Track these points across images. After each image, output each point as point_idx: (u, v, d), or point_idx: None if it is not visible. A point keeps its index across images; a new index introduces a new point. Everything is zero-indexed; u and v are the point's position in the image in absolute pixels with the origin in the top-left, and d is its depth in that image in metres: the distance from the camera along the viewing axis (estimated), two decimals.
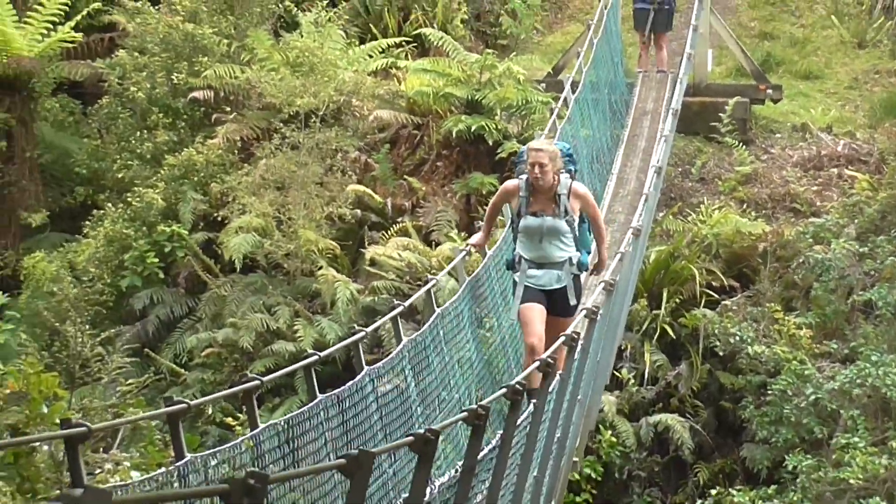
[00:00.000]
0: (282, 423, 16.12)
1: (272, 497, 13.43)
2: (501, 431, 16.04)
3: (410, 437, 11.96)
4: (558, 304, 21.69)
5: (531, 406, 18.07)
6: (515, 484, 18.23)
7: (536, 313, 20.77)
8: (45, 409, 21.84)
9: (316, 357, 19.28)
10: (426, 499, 12.26)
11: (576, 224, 20.63)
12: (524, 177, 20.99)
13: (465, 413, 13.57)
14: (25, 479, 19.99)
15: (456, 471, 13.92)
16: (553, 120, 36.48)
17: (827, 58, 45.94)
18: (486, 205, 35.37)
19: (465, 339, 26.83)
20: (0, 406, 20.75)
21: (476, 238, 23.91)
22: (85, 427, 12.55)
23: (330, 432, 19.05)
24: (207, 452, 15.62)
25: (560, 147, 20.87)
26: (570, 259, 20.65)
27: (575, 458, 28.18)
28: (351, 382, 22.10)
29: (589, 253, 23.17)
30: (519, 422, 16.56)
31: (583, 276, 22.49)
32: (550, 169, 20.05)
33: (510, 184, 21.06)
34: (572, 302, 22.04)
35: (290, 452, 16.87)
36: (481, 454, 14.79)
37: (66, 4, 44.53)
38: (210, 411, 29.65)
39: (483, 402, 14.51)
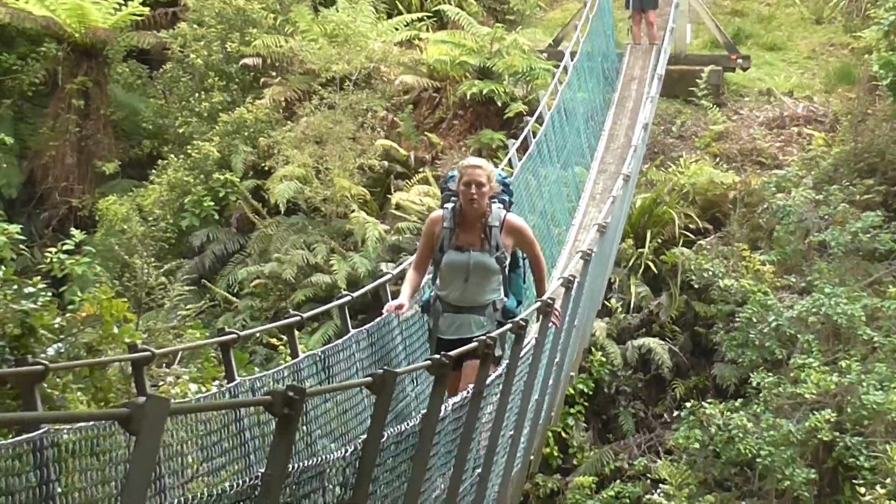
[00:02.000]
0: (319, 353, 16.17)
1: (310, 414, 13.45)
2: (507, 361, 16.05)
3: (428, 362, 12.00)
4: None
5: (532, 340, 18.07)
6: (520, 404, 18.30)
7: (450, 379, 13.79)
8: (116, 330, 21.88)
9: (349, 297, 19.24)
10: (441, 415, 12.24)
11: (507, 263, 15.54)
12: (449, 205, 15.66)
13: (475, 343, 13.61)
14: (99, 390, 20.08)
15: (467, 393, 13.87)
16: (554, 83, 36.49)
17: (789, 32, 45.78)
18: (497, 158, 35.53)
19: None
20: (78, 327, 20.76)
21: (398, 299, 16.52)
22: (149, 352, 12.70)
23: (360, 361, 19.08)
24: (254, 376, 15.72)
25: (497, 171, 15.96)
26: (495, 303, 15.27)
27: (571, 373, 28.27)
28: (379, 319, 22.16)
29: (519, 303, 17.54)
30: (522, 354, 16.58)
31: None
32: (487, 191, 15.11)
33: (434, 215, 15.91)
34: (497, 353, 15.27)
35: (327, 378, 16.90)
36: (489, 380, 14.81)
37: None
38: (258, 334, 29.66)
39: (492, 334, 14.51)
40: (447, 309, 15.26)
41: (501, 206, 15.53)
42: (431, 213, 15.87)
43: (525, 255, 16.12)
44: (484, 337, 13.49)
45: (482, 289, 15.11)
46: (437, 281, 15.31)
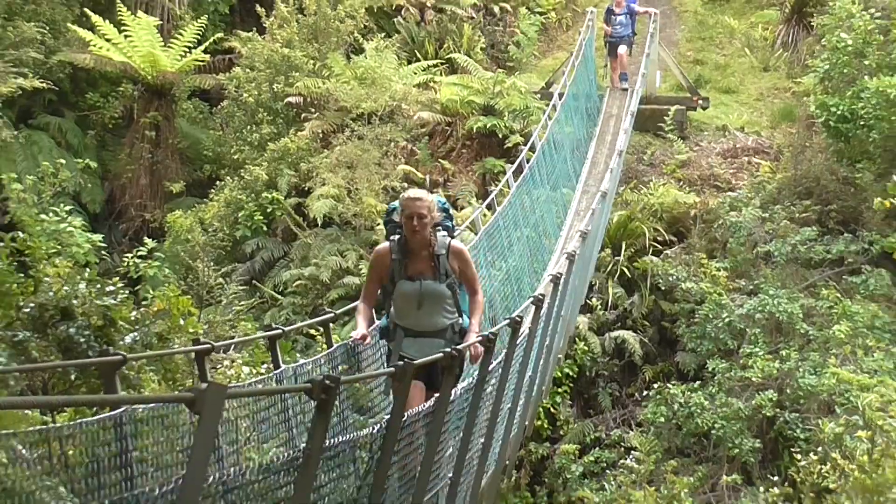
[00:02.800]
0: (350, 343, 16.13)
1: (342, 395, 13.55)
2: (506, 350, 16.03)
3: (440, 354, 12.03)
4: (440, 378, 13.36)
5: (526, 329, 18.05)
6: (515, 385, 18.30)
7: (416, 392, 13.13)
8: (182, 322, 22.01)
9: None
10: (451, 398, 12.29)
11: (457, 286, 13.74)
12: (395, 237, 13.82)
13: (481, 338, 13.64)
14: (168, 371, 20.16)
15: (473, 378, 13.86)
16: (545, 119, 36.50)
17: (741, 78, 45.71)
18: (498, 181, 35.53)
19: (481, 275, 26.94)
20: (150, 319, 20.84)
21: (359, 330, 14.52)
22: (210, 344, 13.17)
23: (383, 348, 19.04)
24: (297, 363, 15.77)
25: (436, 199, 13.93)
26: (453, 326, 13.64)
27: (559, 356, 28.30)
28: None
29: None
30: (519, 340, 16.58)
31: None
32: (429, 222, 13.34)
33: (380, 248, 13.93)
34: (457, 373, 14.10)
35: (357, 364, 16.86)
36: (491, 367, 14.78)
37: (198, 34, 44.60)
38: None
39: (492, 330, 14.51)
40: (408, 334, 13.56)
41: (445, 232, 13.75)
42: (377, 247, 14.04)
43: (462, 277, 13.84)
44: (449, 350, 12.35)
45: (436, 314, 13.41)
46: (392, 310, 13.67)
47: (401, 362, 11.53)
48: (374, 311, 14.40)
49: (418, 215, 13.05)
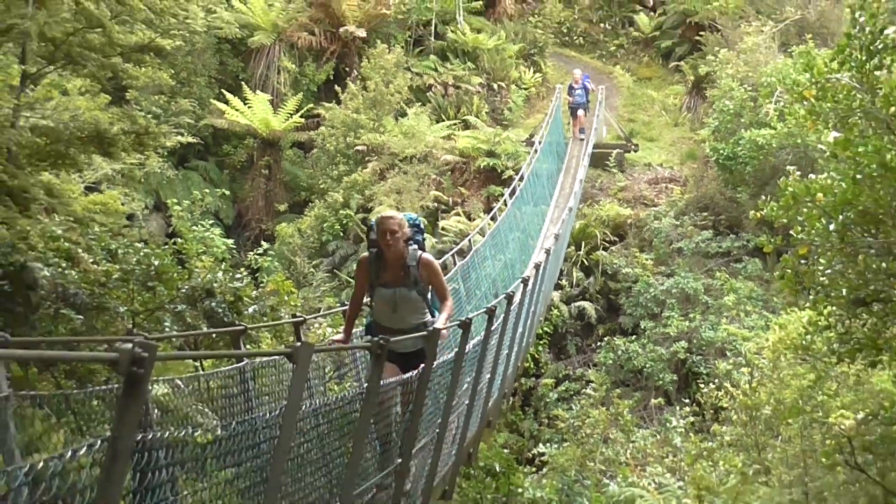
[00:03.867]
0: (329, 342, 16.05)
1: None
2: (504, 314, 15.91)
3: (458, 321, 11.91)
4: (413, 366, 11.96)
5: (517, 300, 17.92)
6: (510, 338, 18.20)
7: (391, 373, 11.47)
8: (286, 298, 21.96)
9: None
10: (466, 349, 12.19)
11: (428, 292, 12.07)
12: (373, 250, 12.17)
13: (485, 309, 13.51)
14: (278, 332, 20.04)
15: (478, 340, 13.75)
16: (529, 159, 36.41)
17: (660, 131, 45.47)
18: (497, 200, 35.50)
19: (487, 264, 26.89)
20: (265, 297, 20.78)
21: (344, 332, 12.88)
22: (303, 317, 12.98)
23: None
24: (362, 329, 15.63)
25: (408, 218, 12.33)
26: (426, 324, 11.97)
27: (541, 319, 28.26)
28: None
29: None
30: (512, 307, 16.47)
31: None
32: (400, 237, 11.72)
33: (361, 259, 12.29)
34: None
35: None
36: (493, 327, 14.67)
37: (297, 104, 44.57)
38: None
39: (493, 303, 14.40)
40: (385, 331, 10.93)
41: (416, 245, 11.72)
42: (360, 257, 12.07)
43: (431, 285, 11.78)
44: (426, 326, 11.11)
45: (409, 315, 11.46)
46: (373, 310, 11.76)
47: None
48: (359, 312, 12.21)
49: (390, 231, 11.29)
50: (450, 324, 11.67)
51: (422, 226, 11.89)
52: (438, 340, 10.75)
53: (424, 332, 10.82)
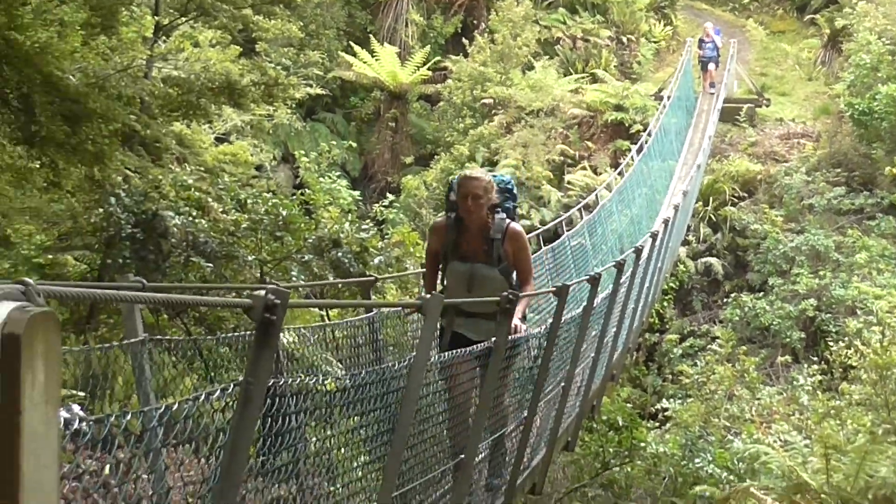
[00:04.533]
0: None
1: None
2: (631, 269, 15.86)
3: (588, 277, 11.86)
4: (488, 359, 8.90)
5: (645, 255, 17.85)
6: (637, 293, 18.16)
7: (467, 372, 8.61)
8: (412, 249, 22.08)
9: (542, 229, 19.08)
10: (594, 305, 12.10)
11: (513, 272, 9.49)
12: (452, 214, 9.71)
13: (614, 262, 13.47)
14: (404, 284, 20.16)
15: (606, 294, 13.68)
16: (658, 114, 36.22)
17: (793, 85, 44.80)
18: (625, 156, 35.33)
19: (614, 219, 26.82)
20: (391, 248, 20.87)
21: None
22: (373, 277, 12.57)
23: (547, 268, 18.91)
24: None
25: (498, 180, 9.79)
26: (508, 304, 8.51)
27: (666, 275, 28.14)
28: (557, 241, 21.98)
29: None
30: (640, 262, 16.41)
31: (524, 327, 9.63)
32: (485, 202, 9.31)
33: (437, 222, 10.05)
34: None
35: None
36: (622, 280, 14.63)
37: (424, 57, 44.64)
38: None
39: (620, 258, 14.36)
40: (458, 313, 9.10)
41: (504, 214, 9.31)
42: (435, 220, 10.17)
43: (515, 263, 9.30)
44: (506, 294, 8.12)
45: (486, 297, 8.62)
46: (445, 288, 9.38)
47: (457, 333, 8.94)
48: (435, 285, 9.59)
49: (473, 195, 9.01)
50: (527, 323, 9.41)
51: (514, 190, 9.64)
52: (512, 335, 8.35)
53: (501, 306, 8.06)
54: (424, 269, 9.92)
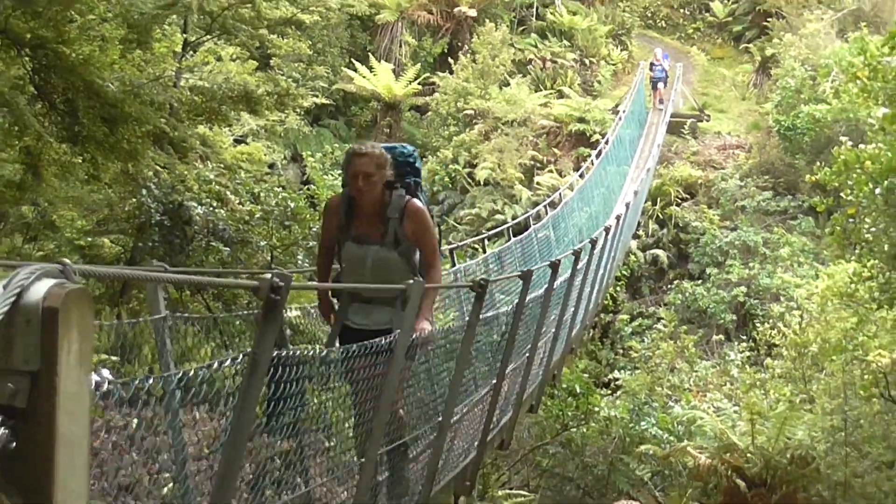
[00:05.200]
0: (497, 252, 15.91)
1: (494, 286, 13.28)
2: (587, 257, 15.88)
3: (549, 262, 11.82)
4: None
5: (600, 245, 17.84)
6: (593, 278, 18.15)
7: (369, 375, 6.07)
8: None
9: (512, 223, 19.07)
10: (554, 286, 12.09)
11: (415, 253, 7.16)
12: (345, 191, 7.27)
13: (572, 251, 13.44)
14: None
15: (565, 278, 13.69)
16: (615, 125, 36.24)
17: (729, 104, 44.84)
18: (586, 160, 35.38)
19: (575, 214, 26.81)
20: None
21: (323, 303, 7.53)
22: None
23: (516, 256, 18.87)
24: (466, 264, 15.56)
25: (398, 150, 7.33)
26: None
27: (619, 263, 28.14)
28: (525, 233, 21.96)
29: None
30: (595, 251, 16.41)
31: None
32: (378, 180, 6.96)
33: (331, 200, 7.60)
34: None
35: (501, 266, 16.74)
36: (578, 267, 14.63)
37: (416, 73, 44.55)
38: (468, 244, 29.72)
39: (578, 246, 14.34)
40: (354, 299, 7.11)
41: (405, 191, 7.12)
42: (329, 198, 7.61)
43: (417, 243, 7.09)
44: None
45: (387, 282, 6.91)
46: (341, 271, 7.33)
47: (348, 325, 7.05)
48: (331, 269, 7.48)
49: (363, 174, 6.82)
50: (433, 327, 7.06)
51: (417, 163, 7.35)
52: (415, 335, 6.39)
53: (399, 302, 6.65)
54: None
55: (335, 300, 7.30)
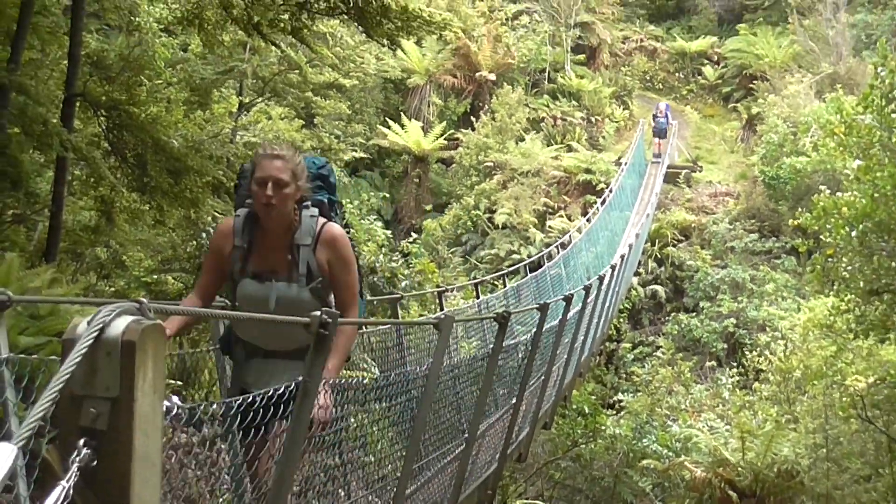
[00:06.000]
0: (514, 287, 15.84)
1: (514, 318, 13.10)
2: (594, 293, 15.80)
3: (562, 297, 11.71)
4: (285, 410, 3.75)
5: (606, 282, 17.73)
6: (599, 311, 18.07)
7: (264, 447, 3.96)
8: (430, 276, 21.89)
9: (528, 261, 18.92)
10: (567, 318, 11.99)
11: (330, 292, 4.52)
12: (243, 211, 4.48)
13: (582, 286, 13.34)
14: (423, 303, 19.92)
15: (579, 307, 13.60)
16: (618, 176, 36.18)
17: (719, 156, 44.72)
18: (591, 207, 35.34)
19: (583, 254, 26.71)
20: (415, 274, 20.83)
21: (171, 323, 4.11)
22: (445, 288, 12.55)
23: (532, 291, 18.77)
24: (487, 297, 15.49)
25: (308, 161, 4.62)
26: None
27: (622, 297, 28.00)
28: (540, 270, 21.83)
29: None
30: (602, 287, 16.33)
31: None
32: (292, 193, 4.35)
33: (223, 225, 4.55)
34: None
35: (518, 302, 16.64)
36: (588, 300, 14.54)
37: (442, 130, 44.65)
38: (489, 280, 29.59)
39: (586, 283, 14.28)
40: (253, 353, 4.62)
41: (318, 211, 4.64)
42: (220, 223, 4.80)
43: (332, 279, 4.61)
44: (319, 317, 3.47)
45: (293, 329, 4.31)
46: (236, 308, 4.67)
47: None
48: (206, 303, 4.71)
49: (275, 181, 4.47)
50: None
51: (331, 177, 5.01)
52: (318, 407, 4.04)
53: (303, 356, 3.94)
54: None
55: (227, 356, 4.98)
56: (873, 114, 13.79)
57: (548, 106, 47.84)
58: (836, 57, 42.95)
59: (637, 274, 34.06)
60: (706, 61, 53.41)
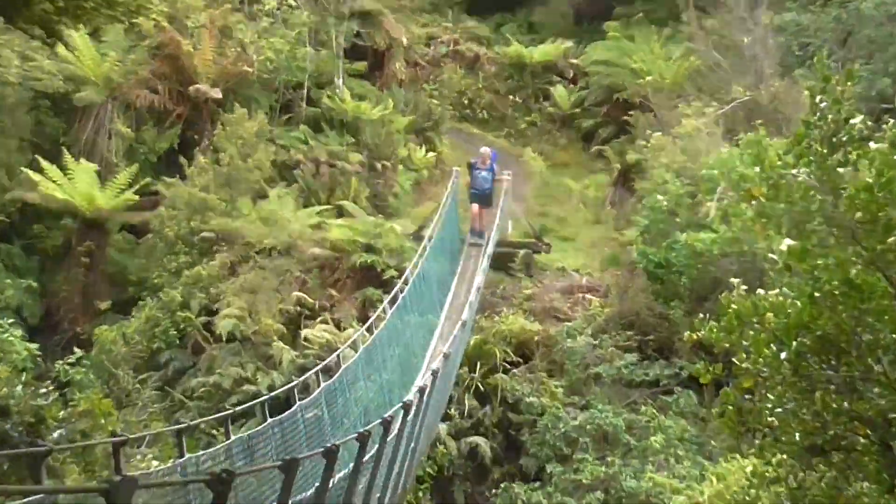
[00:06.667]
0: (245, 437, 15.82)
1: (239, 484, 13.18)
2: (377, 446, 15.83)
3: (321, 449, 11.82)
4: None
5: (395, 431, 17.86)
6: (384, 478, 18.05)
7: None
8: (103, 421, 21.70)
9: (268, 396, 18.95)
10: (329, 486, 11.98)
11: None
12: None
13: (356, 434, 13.42)
14: (88, 463, 19.80)
15: (349, 469, 13.63)
16: (417, 258, 36.53)
17: (577, 228, 46.02)
18: (376, 307, 35.50)
19: (359, 385, 26.81)
20: (76, 418, 20.56)
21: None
22: (125, 437, 12.61)
23: (276, 446, 18.78)
24: (199, 454, 15.46)
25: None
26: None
27: (422, 457, 28.15)
28: (288, 412, 21.86)
29: None
30: (389, 438, 16.39)
31: None
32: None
33: None
34: None
35: (251, 456, 16.60)
36: (364, 459, 14.53)
37: (130, 178, 44.30)
38: (203, 426, 29.15)
39: (366, 428, 14.34)
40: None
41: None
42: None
43: None
44: None
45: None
46: None
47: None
48: None
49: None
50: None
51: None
52: None
53: None
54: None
55: None
56: (810, 167, 13.92)
57: (306, 142, 48.26)
58: (754, 76, 44.17)
59: (447, 418, 34.38)
60: (557, 78, 54.78)
